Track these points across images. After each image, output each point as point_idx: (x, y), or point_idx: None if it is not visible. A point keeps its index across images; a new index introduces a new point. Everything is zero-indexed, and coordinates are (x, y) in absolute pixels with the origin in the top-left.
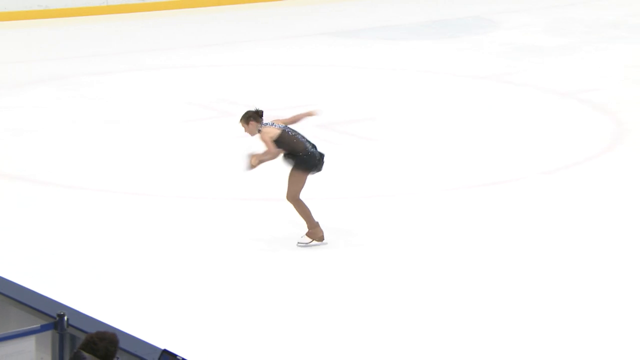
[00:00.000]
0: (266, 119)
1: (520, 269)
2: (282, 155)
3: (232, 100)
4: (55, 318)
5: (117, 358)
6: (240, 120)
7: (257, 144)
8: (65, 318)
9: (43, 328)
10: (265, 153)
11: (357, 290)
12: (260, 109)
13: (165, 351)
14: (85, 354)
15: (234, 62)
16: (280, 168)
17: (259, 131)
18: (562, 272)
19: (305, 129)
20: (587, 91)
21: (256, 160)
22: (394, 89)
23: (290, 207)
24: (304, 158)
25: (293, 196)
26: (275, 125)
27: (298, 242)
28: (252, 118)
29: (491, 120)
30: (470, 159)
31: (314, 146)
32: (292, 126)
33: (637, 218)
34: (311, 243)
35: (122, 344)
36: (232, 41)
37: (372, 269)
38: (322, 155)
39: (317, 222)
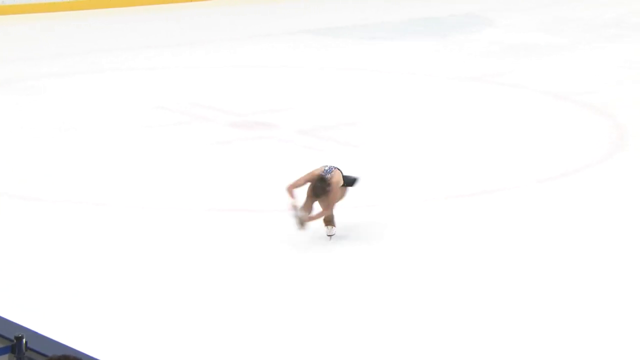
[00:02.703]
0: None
1: (513, 285)
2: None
3: (205, 104)
4: (12, 341)
5: None
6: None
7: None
8: (24, 341)
9: None
10: (323, 213)
11: (344, 304)
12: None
13: None
14: None
15: (204, 64)
16: (256, 178)
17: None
18: (559, 285)
19: (284, 135)
20: (585, 93)
21: (311, 221)
22: (378, 92)
23: (272, 219)
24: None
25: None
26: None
27: (329, 236)
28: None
29: (482, 124)
30: (459, 167)
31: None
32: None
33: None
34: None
35: None
36: (201, 40)
37: (355, 286)
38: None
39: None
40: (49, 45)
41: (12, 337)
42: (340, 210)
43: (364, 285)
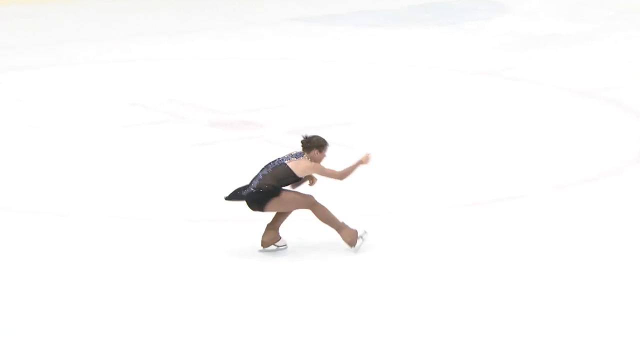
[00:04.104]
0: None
1: (527, 302)
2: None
3: (184, 101)
4: None
5: None
6: (327, 144)
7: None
8: None
9: None
10: (345, 172)
11: (337, 322)
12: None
13: None
14: None
15: (183, 55)
16: (240, 184)
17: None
18: (577, 302)
19: (272, 136)
20: (611, 88)
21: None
22: (376, 87)
23: (258, 229)
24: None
25: (312, 202)
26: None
27: (353, 248)
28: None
29: (493, 124)
30: (469, 172)
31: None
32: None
33: None
34: (362, 237)
35: None
36: (180, 30)
37: (350, 305)
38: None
39: (343, 222)
40: (9, 35)
41: None
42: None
43: (360, 305)
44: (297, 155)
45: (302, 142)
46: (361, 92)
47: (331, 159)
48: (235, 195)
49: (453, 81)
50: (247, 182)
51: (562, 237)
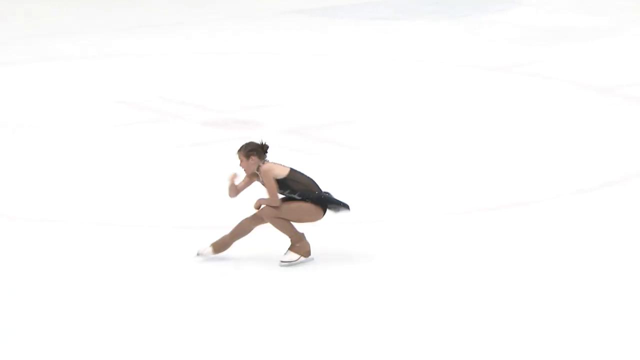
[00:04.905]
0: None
1: (544, 317)
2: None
3: (174, 99)
4: None
5: None
6: (239, 151)
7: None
8: None
9: None
10: (270, 200)
11: (345, 330)
12: (266, 144)
13: None
14: None
15: (175, 50)
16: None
17: (258, 168)
18: (597, 316)
19: (270, 136)
20: (634, 85)
21: (258, 204)
22: (381, 83)
23: (256, 237)
24: (321, 197)
25: (275, 214)
26: (282, 164)
27: (281, 261)
28: (255, 152)
29: (508, 124)
30: (481, 175)
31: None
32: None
33: None
34: (298, 260)
35: None
36: (172, 22)
37: (351, 318)
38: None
39: (303, 234)
40: (11, 26)
41: None
42: (335, 227)
43: (363, 318)
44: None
45: (265, 148)
46: (364, 89)
47: (332, 161)
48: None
49: (463, 78)
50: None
51: (582, 246)
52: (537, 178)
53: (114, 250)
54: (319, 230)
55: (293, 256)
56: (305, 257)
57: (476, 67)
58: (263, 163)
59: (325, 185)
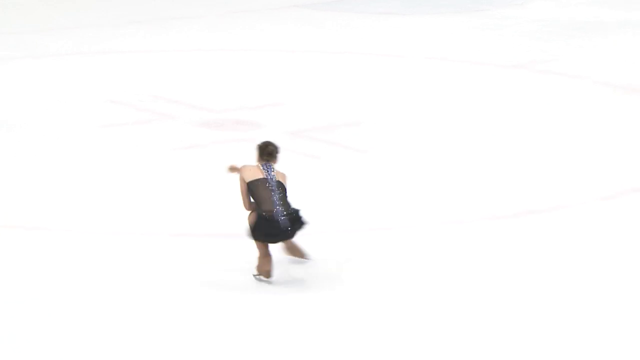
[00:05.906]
0: None
1: (566, 329)
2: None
3: (169, 98)
4: None
5: None
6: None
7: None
8: None
9: None
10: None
11: (339, 344)
12: (268, 145)
13: None
14: None
15: (170, 46)
16: (234, 192)
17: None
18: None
19: (271, 138)
20: None
21: (233, 170)
22: (389, 82)
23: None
24: (261, 219)
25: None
26: (261, 167)
27: (254, 274)
28: (257, 150)
29: (527, 125)
30: (497, 180)
31: (286, 215)
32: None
33: None
34: (260, 277)
35: None
36: (166, 17)
37: (357, 335)
38: (288, 230)
39: (267, 252)
40: None
41: None
42: (341, 235)
43: (370, 326)
44: (267, 167)
45: (272, 149)
46: (372, 88)
47: (339, 165)
48: (292, 224)
49: (478, 76)
50: (275, 214)
51: (610, 256)
52: (557, 183)
53: (104, 259)
54: (324, 237)
55: (256, 271)
56: (265, 277)
57: (489, 64)
58: (260, 163)
59: (330, 190)
